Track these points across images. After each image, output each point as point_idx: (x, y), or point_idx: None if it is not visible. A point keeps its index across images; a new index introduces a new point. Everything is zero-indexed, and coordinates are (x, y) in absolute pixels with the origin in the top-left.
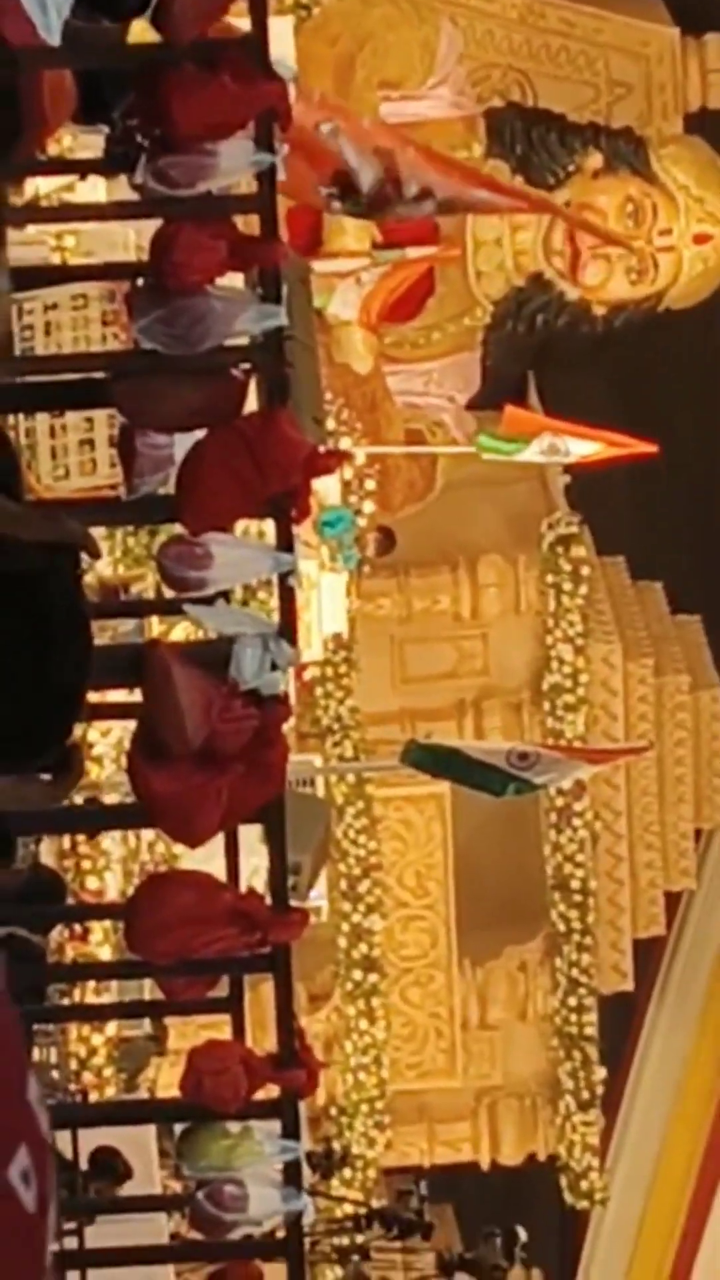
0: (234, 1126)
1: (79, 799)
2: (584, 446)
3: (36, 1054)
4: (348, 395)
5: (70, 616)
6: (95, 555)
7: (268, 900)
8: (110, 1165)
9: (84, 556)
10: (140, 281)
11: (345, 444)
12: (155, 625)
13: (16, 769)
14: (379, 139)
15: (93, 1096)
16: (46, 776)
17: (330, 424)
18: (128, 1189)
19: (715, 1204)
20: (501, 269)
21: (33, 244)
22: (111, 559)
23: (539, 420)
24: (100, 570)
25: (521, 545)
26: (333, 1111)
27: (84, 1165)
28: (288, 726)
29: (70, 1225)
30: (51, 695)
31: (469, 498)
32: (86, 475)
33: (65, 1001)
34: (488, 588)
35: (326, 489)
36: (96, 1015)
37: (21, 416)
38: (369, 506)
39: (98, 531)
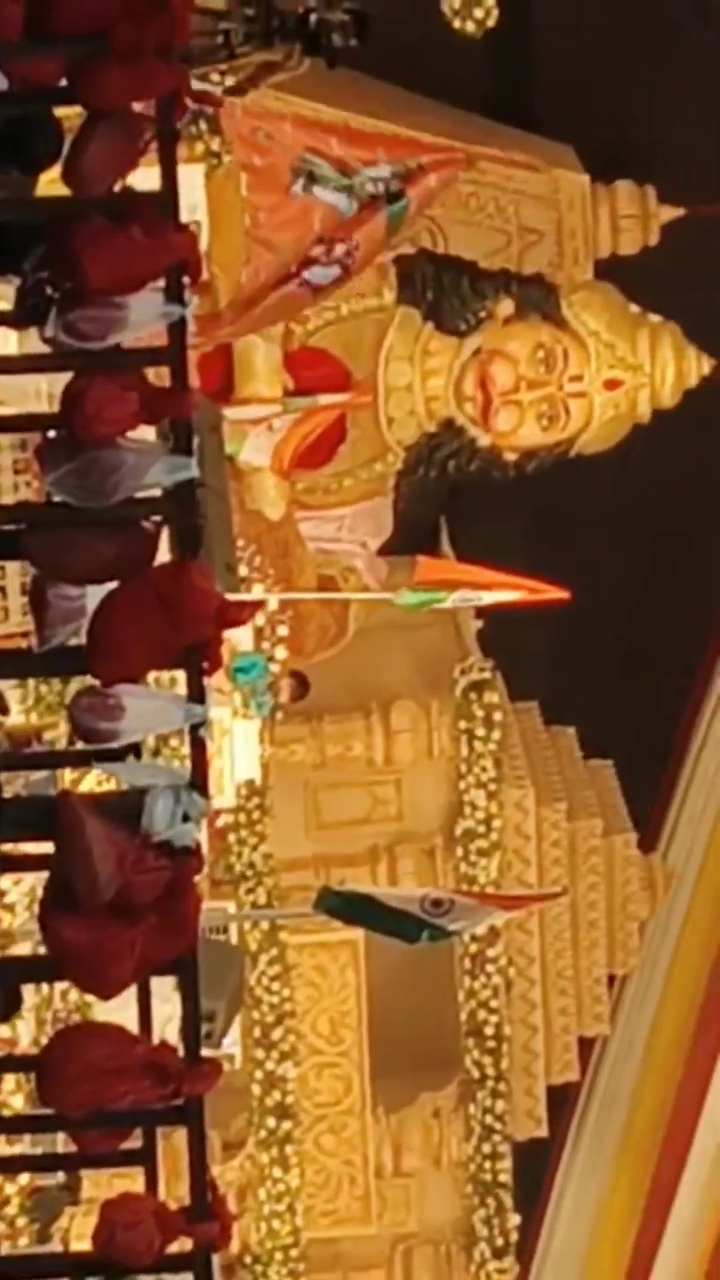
0: (147, 1279)
1: None
2: (497, 595)
3: None
4: (260, 541)
5: None
6: (3, 711)
7: (180, 1051)
8: None
9: None
10: (51, 434)
11: (258, 590)
12: (67, 774)
13: None
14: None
15: (4, 1246)
16: None
17: (243, 570)
18: None
19: None
20: (413, 415)
21: None
22: (23, 708)
23: (453, 571)
24: (11, 719)
25: (434, 690)
26: (247, 1259)
27: None
28: (200, 874)
29: None
30: None
31: (382, 643)
32: None
33: None
34: (401, 733)
35: (239, 635)
36: (8, 1168)
37: None
38: (281, 652)
39: (8, 680)
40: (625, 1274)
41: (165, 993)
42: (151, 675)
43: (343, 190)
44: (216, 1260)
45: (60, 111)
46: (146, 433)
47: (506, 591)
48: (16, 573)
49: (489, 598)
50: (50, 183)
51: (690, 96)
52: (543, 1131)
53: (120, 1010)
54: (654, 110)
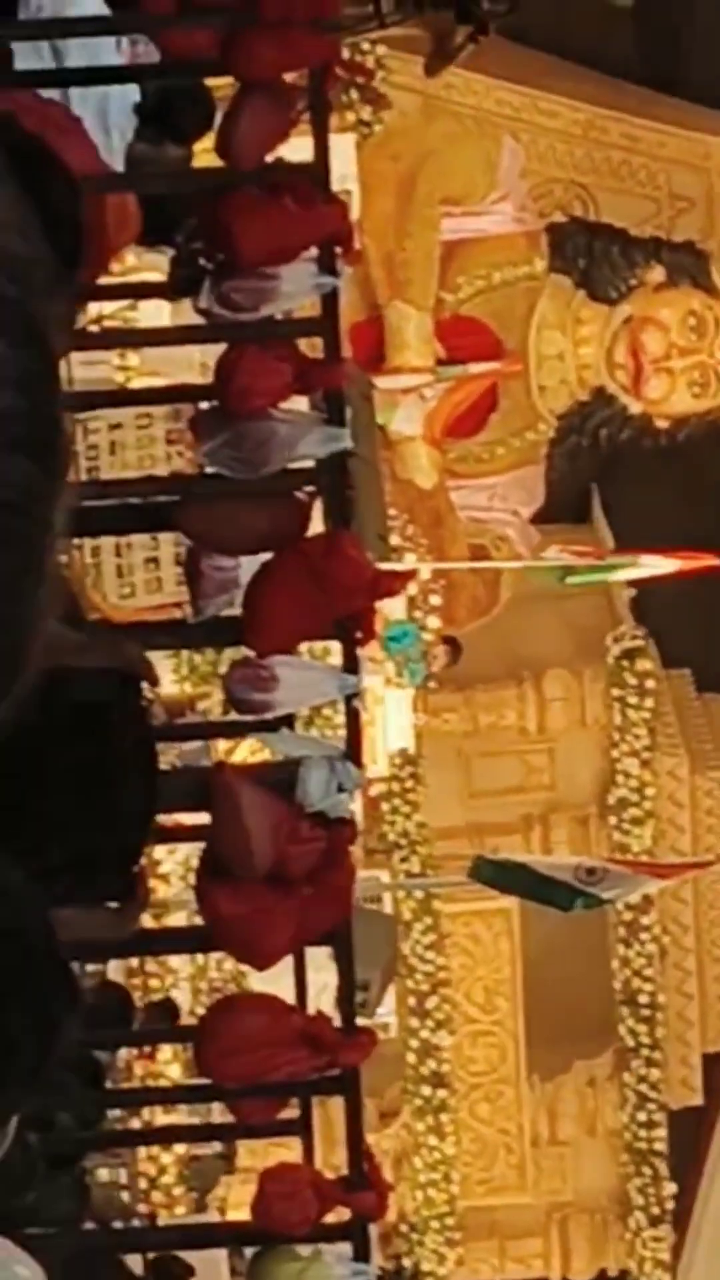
0: (304, 1249)
1: (148, 920)
2: (651, 566)
3: (105, 1174)
4: (412, 511)
5: (137, 746)
6: (154, 684)
7: (336, 1021)
8: (168, 1271)
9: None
10: (205, 405)
11: (410, 559)
12: (221, 745)
13: (83, 900)
14: None
15: (162, 1216)
16: (112, 905)
17: (395, 540)
18: None
19: None
20: (564, 384)
21: (96, 364)
22: (177, 677)
23: (610, 552)
24: (166, 689)
25: (587, 659)
26: (402, 1228)
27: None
28: (355, 844)
29: None
30: (119, 825)
31: (534, 612)
32: (152, 593)
33: (135, 1121)
34: (553, 702)
35: (392, 605)
36: (165, 1138)
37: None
38: (434, 622)
39: (162, 650)
40: None
41: (320, 962)
42: (305, 646)
43: None
44: (373, 1229)
45: (211, 83)
46: (299, 403)
47: (663, 563)
48: (170, 544)
49: (648, 571)
50: (202, 154)
51: None
52: (698, 1100)
53: (276, 980)
54: None
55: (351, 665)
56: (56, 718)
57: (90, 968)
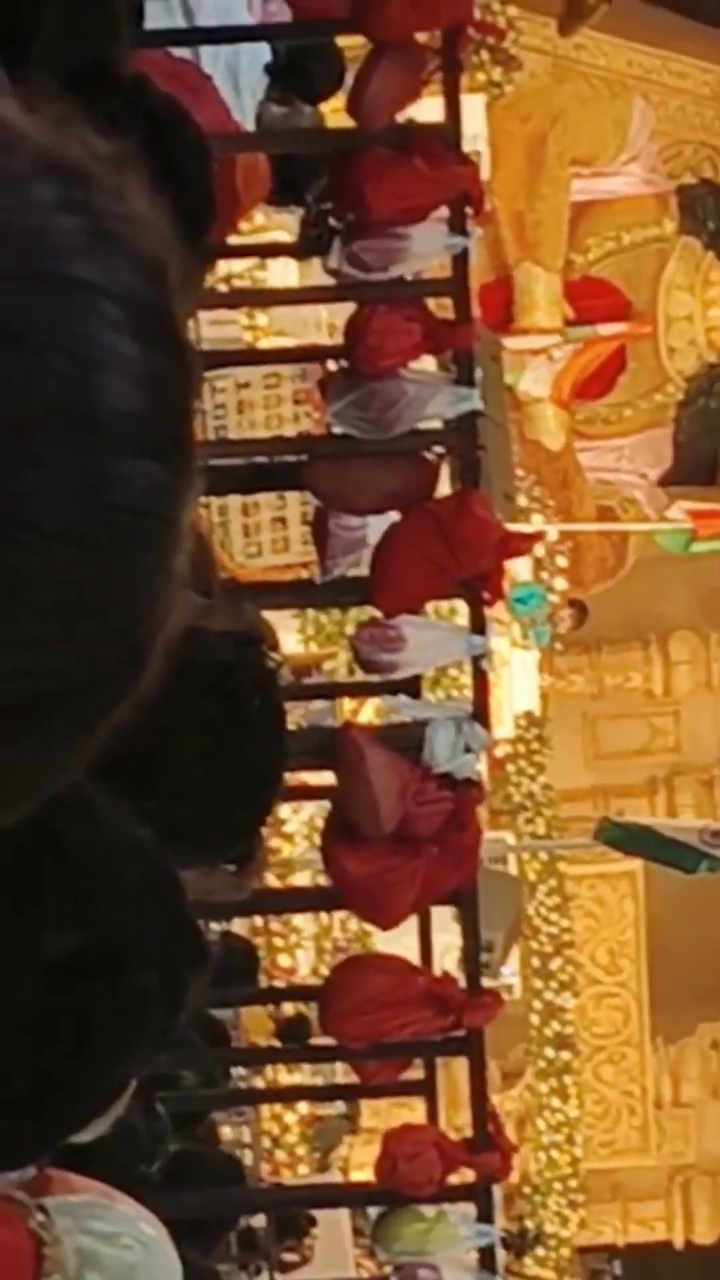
0: (428, 1210)
1: (273, 879)
2: None
3: (229, 1132)
4: (539, 472)
5: (264, 708)
6: (274, 647)
7: (461, 982)
8: (291, 1221)
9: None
10: (333, 365)
11: (537, 520)
12: (347, 704)
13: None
14: None
15: (285, 1175)
16: (231, 867)
17: (522, 501)
18: (322, 1265)
19: None
20: (694, 345)
21: (225, 323)
22: (303, 636)
23: None
24: (292, 649)
25: (714, 622)
26: (525, 1190)
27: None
28: (480, 805)
29: None
30: (247, 786)
31: (661, 574)
32: (279, 553)
33: (258, 1080)
34: (680, 664)
35: (518, 566)
36: (291, 1097)
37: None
38: (560, 583)
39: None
40: None
41: (445, 921)
42: (432, 606)
43: None
44: (497, 1191)
45: (342, 42)
46: (428, 364)
47: None
48: (297, 503)
49: None
50: (333, 113)
51: None
52: None
53: (400, 940)
54: None
55: (479, 626)
56: (183, 679)
57: (215, 925)
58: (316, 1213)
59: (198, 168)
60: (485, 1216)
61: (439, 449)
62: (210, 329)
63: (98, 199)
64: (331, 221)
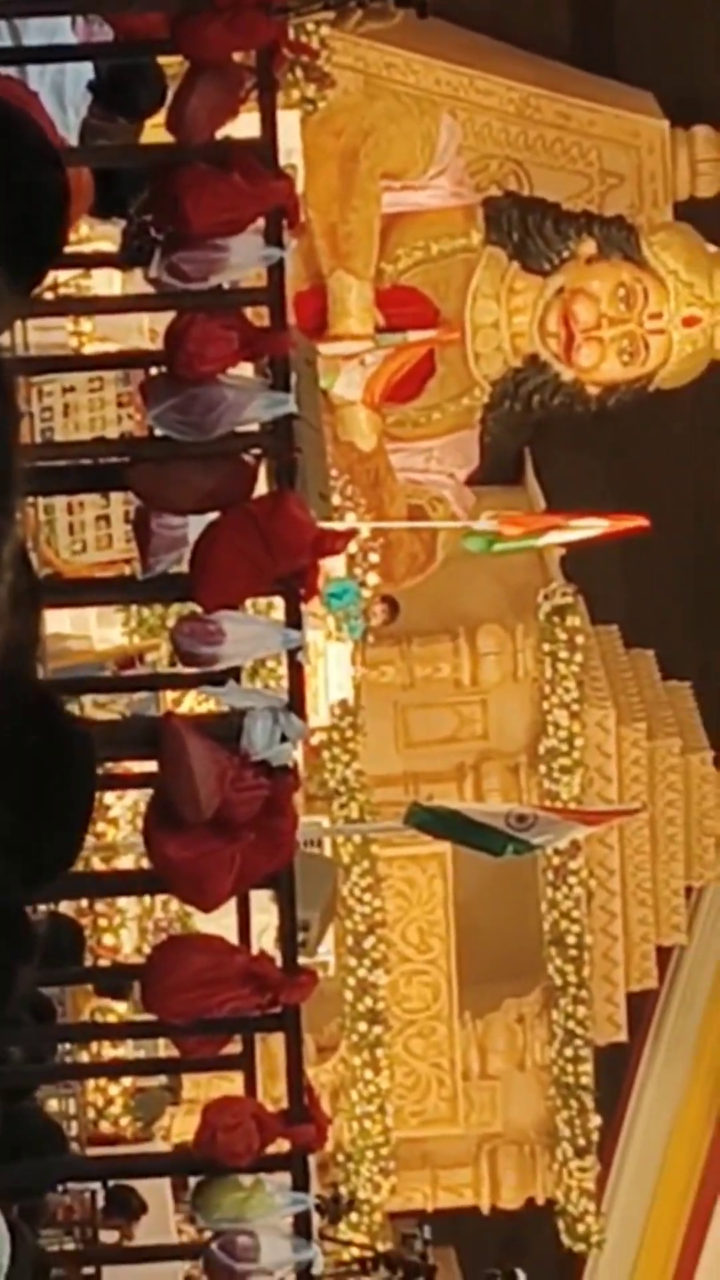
0: (246, 1179)
1: (98, 862)
2: (580, 528)
3: (55, 1105)
4: (352, 472)
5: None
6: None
7: (278, 960)
8: (125, 1202)
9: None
10: (155, 371)
11: (350, 519)
12: (169, 695)
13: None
14: None
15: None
16: None
17: (336, 500)
18: (144, 1231)
19: (706, 1246)
20: (499, 351)
21: (51, 329)
22: (127, 630)
23: (538, 517)
24: (117, 641)
25: (519, 615)
26: (339, 1158)
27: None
28: (296, 791)
29: (89, 1271)
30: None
31: (468, 569)
32: (103, 549)
33: (83, 1055)
34: (487, 656)
35: (333, 563)
36: (115, 1072)
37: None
38: (373, 579)
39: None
40: (701, 1172)
41: (263, 904)
42: (250, 601)
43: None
44: (312, 1160)
45: (163, 61)
46: (245, 369)
47: (590, 525)
48: (120, 502)
49: (576, 535)
50: (154, 129)
51: None
52: (622, 1036)
53: (220, 921)
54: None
55: (295, 620)
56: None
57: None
58: (139, 1183)
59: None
60: (301, 1185)
61: (256, 451)
62: (37, 334)
63: None
64: (153, 233)
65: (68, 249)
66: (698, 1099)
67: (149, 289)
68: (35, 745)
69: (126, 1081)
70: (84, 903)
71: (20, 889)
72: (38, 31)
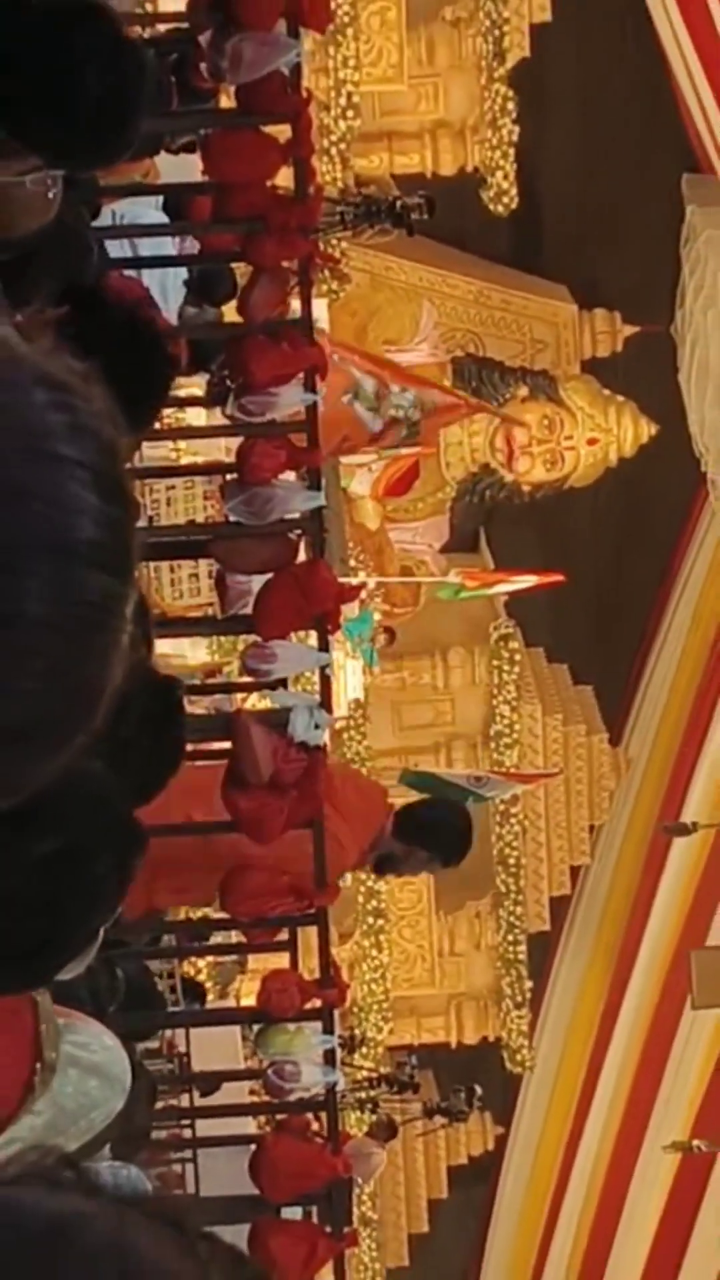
0: (291, 1026)
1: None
2: (519, 582)
3: (164, 971)
4: (363, 544)
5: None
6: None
7: (313, 878)
8: (198, 988)
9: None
10: (229, 477)
11: (361, 576)
12: (238, 698)
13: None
14: (370, 366)
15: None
16: None
17: (352, 563)
18: (222, 1063)
19: (603, 1070)
20: (462, 461)
21: (158, 447)
22: (210, 651)
23: (490, 574)
24: (204, 658)
25: (477, 641)
26: (354, 1010)
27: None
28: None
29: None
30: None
31: (442, 610)
32: (194, 597)
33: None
34: (454, 668)
35: (350, 607)
36: (204, 952)
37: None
38: (377, 616)
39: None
40: (599, 1019)
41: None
42: (294, 634)
43: (373, 410)
44: (336, 1013)
45: (235, 266)
46: (290, 476)
47: (525, 579)
48: (206, 566)
49: (515, 586)
50: (229, 313)
51: (642, 252)
52: (547, 927)
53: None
54: (620, 262)
55: (324, 646)
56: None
57: None
58: (218, 1030)
59: (162, 362)
60: (328, 1029)
61: (298, 531)
62: (148, 450)
63: (74, 401)
64: (228, 383)
65: (170, 393)
66: (598, 967)
67: (224, 422)
68: (154, 715)
69: (210, 959)
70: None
71: (132, 802)
72: (148, 246)
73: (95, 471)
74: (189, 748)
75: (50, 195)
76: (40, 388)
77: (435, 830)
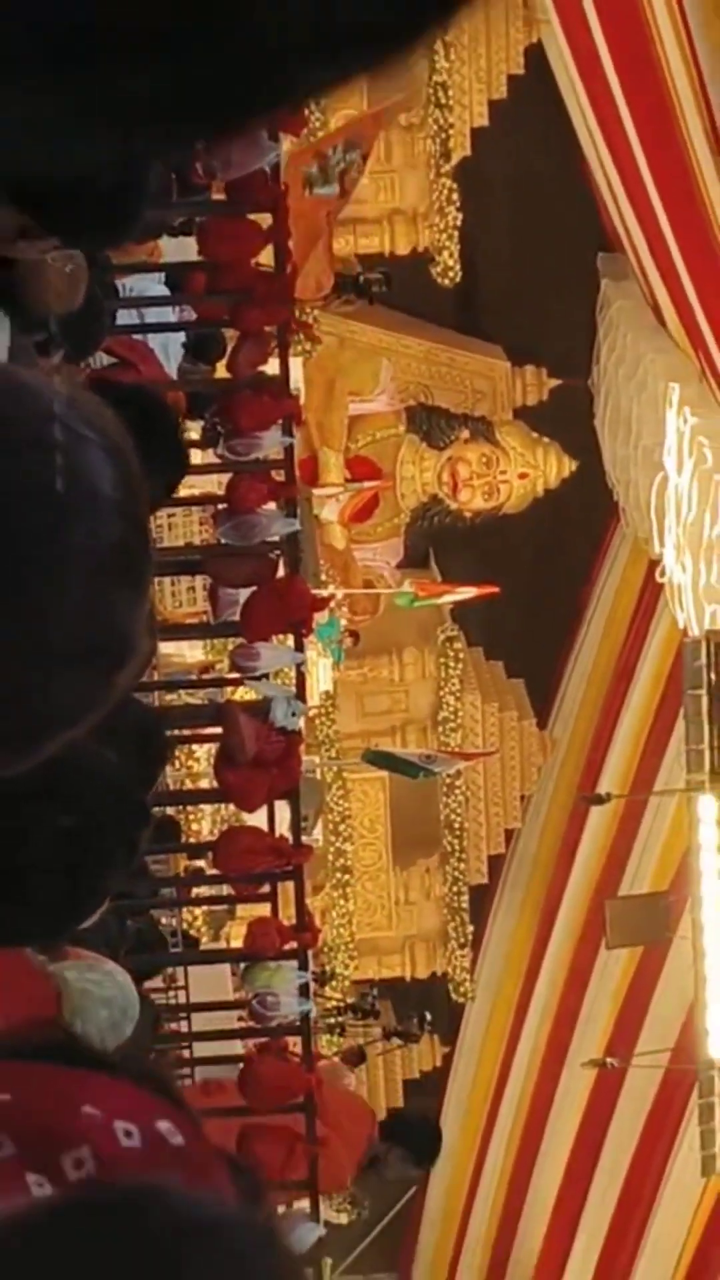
0: (273, 964)
1: (187, 783)
2: (462, 592)
3: (164, 920)
4: (331, 561)
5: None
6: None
7: (290, 839)
8: (172, 826)
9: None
10: (221, 506)
11: (330, 588)
12: (228, 690)
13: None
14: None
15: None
16: None
17: (322, 577)
18: (212, 996)
19: (532, 1000)
20: (415, 492)
21: None
22: (205, 651)
23: (436, 586)
24: (200, 656)
25: (426, 641)
26: (325, 949)
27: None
28: (301, 744)
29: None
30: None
31: (398, 616)
32: (191, 606)
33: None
34: (408, 665)
35: (320, 614)
36: (198, 902)
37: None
38: (343, 622)
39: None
40: (529, 958)
41: (281, 808)
42: (275, 637)
43: (327, 182)
44: (310, 953)
45: (225, 330)
46: (270, 506)
47: (467, 591)
48: (201, 580)
49: (458, 596)
50: (220, 369)
51: (564, 318)
52: (485, 880)
53: (257, 817)
54: (546, 326)
55: (299, 647)
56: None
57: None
58: (208, 968)
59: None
60: (303, 966)
61: (277, 551)
62: None
63: (122, 446)
64: (219, 428)
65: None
66: (528, 914)
67: (216, 460)
68: (141, 718)
69: (205, 908)
70: (183, 807)
71: (139, 788)
72: (152, 314)
73: (119, 504)
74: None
75: (68, 269)
76: (63, 425)
77: (412, 1133)
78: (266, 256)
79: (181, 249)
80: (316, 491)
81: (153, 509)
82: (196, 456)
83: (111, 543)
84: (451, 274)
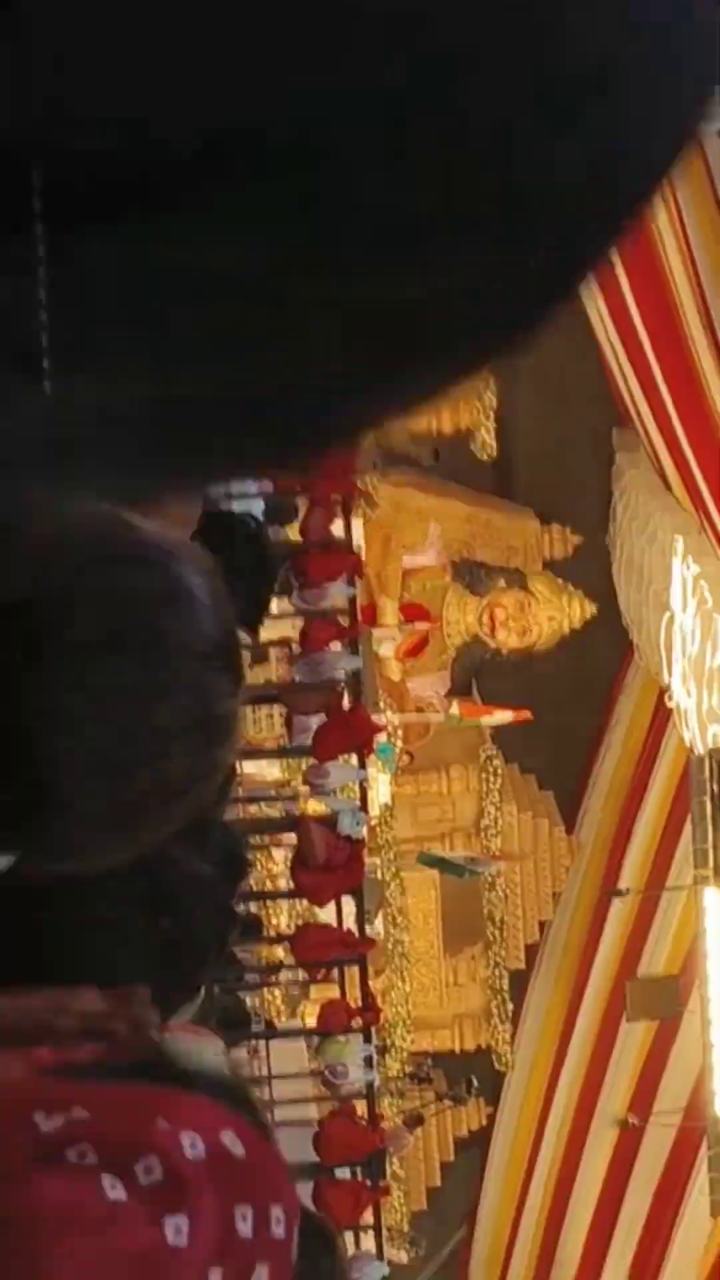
0: (342, 1038)
1: (268, 884)
2: (501, 716)
3: (247, 1000)
4: (388, 691)
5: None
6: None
7: (356, 931)
8: (255, 921)
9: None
10: (294, 647)
11: (388, 714)
12: (302, 804)
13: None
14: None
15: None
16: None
17: (380, 704)
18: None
19: (564, 1068)
20: (459, 632)
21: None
22: (282, 769)
23: (479, 707)
24: (276, 774)
25: (471, 759)
26: (386, 1026)
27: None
28: (364, 849)
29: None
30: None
31: (445, 738)
32: (270, 731)
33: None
34: (455, 780)
35: (380, 736)
36: (278, 981)
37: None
38: (399, 744)
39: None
40: (561, 1031)
41: (348, 903)
42: (341, 757)
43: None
44: (373, 1029)
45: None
46: (336, 646)
47: (504, 715)
48: (278, 709)
49: (497, 720)
50: (293, 532)
51: (584, 484)
52: (523, 965)
53: (326, 911)
54: (570, 491)
55: (362, 765)
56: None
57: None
58: (287, 1043)
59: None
60: (368, 1040)
61: (343, 684)
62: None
63: (198, 564)
64: (293, 581)
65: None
66: (560, 994)
67: (290, 608)
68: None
69: (282, 990)
70: (264, 904)
71: (227, 895)
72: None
73: (220, 656)
74: (268, 839)
75: None
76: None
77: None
78: None
79: None
80: (376, 632)
81: (256, 619)
82: (273, 606)
83: (213, 639)
84: (489, 449)
